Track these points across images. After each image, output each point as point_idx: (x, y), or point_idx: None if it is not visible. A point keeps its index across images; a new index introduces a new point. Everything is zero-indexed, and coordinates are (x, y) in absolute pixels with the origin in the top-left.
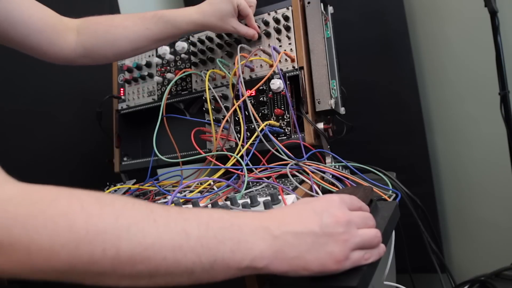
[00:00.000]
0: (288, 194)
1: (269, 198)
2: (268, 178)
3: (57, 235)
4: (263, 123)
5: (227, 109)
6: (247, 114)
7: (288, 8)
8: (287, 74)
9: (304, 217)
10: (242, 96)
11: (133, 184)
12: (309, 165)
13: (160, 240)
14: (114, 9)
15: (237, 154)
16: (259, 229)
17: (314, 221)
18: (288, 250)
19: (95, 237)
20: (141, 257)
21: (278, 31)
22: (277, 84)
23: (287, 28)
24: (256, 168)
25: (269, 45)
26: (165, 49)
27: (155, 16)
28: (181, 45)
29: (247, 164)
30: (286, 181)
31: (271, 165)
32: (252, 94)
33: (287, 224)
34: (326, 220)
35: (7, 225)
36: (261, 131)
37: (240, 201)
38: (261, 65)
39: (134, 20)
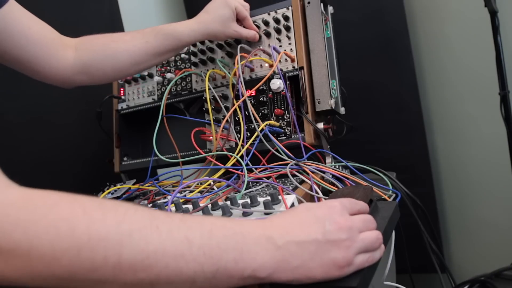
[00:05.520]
0: (288, 194)
1: (269, 198)
2: (268, 178)
3: (59, 240)
4: (263, 123)
5: (227, 109)
6: (247, 114)
7: (288, 8)
8: (287, 74)
9: (306, 225)
10: (242, 96)
11: (133, 184)
12: (309, 165)
13: (163, 247)
14: (114, 9)
15: (237, 154)
16: (262, 238)
17: (316, 228)
18: (291, 260)
19: (97, 243)
20: (143, 264)
21: (278, 31)
22: (277, 84)
23: (287, 28)
24: (256, 168)
25: (269, 45)
26: None
27: (154, 30)
28: None
29: (247, 164)
30: (286, 181)
31: (271, 165)
32: (252, 94)
33: (290, 233)
34: (328, 227)
35: (7, 230)
36: (261, 131)
37: (240, 201)
38: (261, 65)
39: (133, 34)
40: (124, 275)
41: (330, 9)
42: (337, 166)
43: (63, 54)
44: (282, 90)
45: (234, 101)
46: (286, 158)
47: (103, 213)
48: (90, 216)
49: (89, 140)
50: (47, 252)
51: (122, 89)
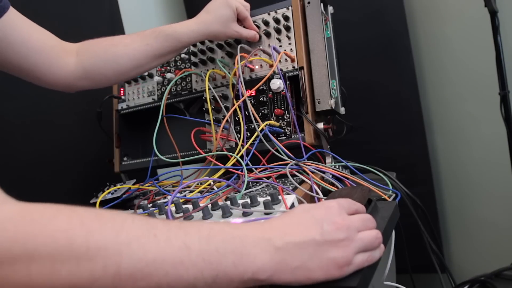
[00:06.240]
0: (288, 194)
1: (269, 198)
2: (268, 178)
3: (57, 252)
4: (263, 123)
5: (227, 109)
6: (247, 114)
7: (288, 8)
8: (287, 74)
9: (304, 226)
10: (242, 96)
11: (133, 184)
12: (309, 165)
13: (162, 255)
14: (114, 9)
15: (237, 154)
16: (261, 240)
17: (314, 229)
18: (290, 261)
19: (96, 254)
20: (142, 273)
21: (278, 31)
22: (277, 84)
23: (287, 28)
24: (256, 168)
25: (269, 45)
26: None
27: (154, 32)
28: None
29: (247, 164)
30: (286, 181)
31: (271, 165)
32: (252, 94)
33: (289, 234)
34: (326, 228)
35: (7, 245)
36: (261, 131)
37: (240, 201)
38: (261, 65)
39: (133, 37)
40: (124, 284)
41: (330, 9)
42: (337, 166)
43: (64, 60)
44: (282, 90)
45: (234, 101)
46: (286, 158)
47: (101, 224)
48: (88, 227)
49: (89, 140)
50: (46, 265)
51: (122, 89)
